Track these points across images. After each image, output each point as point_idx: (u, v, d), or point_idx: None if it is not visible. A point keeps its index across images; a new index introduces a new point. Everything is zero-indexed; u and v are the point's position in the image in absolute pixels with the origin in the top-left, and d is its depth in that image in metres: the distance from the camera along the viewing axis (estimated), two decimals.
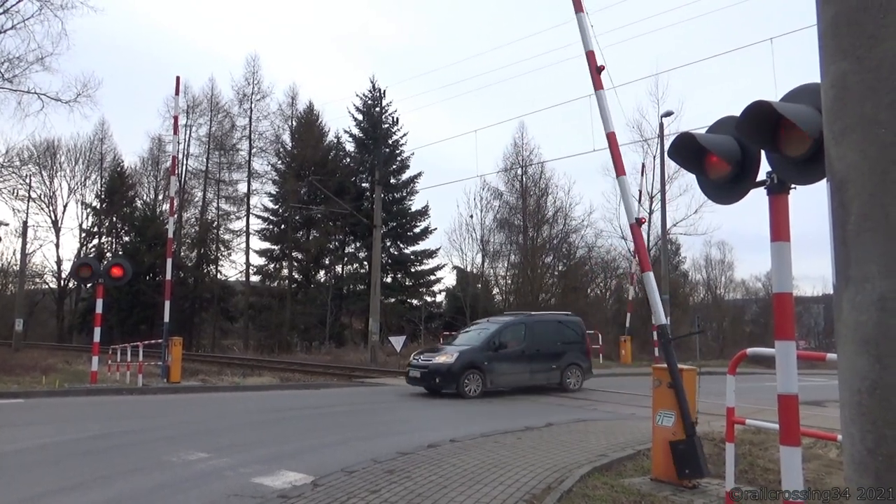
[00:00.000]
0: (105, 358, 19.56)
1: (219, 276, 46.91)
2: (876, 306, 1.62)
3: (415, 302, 40.96)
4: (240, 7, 79.47)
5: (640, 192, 33.01)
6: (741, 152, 4.23)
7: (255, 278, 45.20)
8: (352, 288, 41.73)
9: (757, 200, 4.32)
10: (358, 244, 42.06)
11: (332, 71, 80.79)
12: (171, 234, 19.66)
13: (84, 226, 51.31)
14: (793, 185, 4.01)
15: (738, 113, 3.76)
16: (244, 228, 46.14)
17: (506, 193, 40.12)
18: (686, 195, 35.74)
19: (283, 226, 43.42)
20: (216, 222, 47.06)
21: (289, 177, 41.71)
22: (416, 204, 41.61)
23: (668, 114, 29.11)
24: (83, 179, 51.84)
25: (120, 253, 46.89)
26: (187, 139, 45.76)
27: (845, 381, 1.73)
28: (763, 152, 4.08)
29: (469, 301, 37.61)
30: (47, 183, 50.56)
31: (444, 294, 43.15)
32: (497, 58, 71.11)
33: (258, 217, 44.82)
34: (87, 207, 51.30)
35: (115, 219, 50.72)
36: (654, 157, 33.58)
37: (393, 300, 38.99)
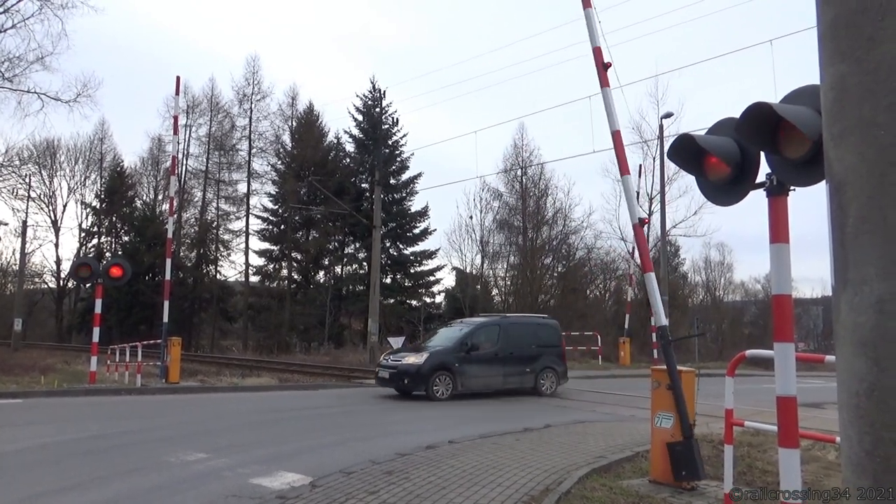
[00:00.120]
0: (104, 358, 19.54)
1: (218, 276, 46.94)
2: (874, 308, 1.62)
3: (414, 303, 40.96)
4: (240, 7, 79.60)
5: (638, 193, 33.03)
6: (741, 154, 4.23)
7: (254, 279, 45.24)
8: (351, 288, 41.72)
9: (756, 202, 4.32)
10: (357, 245, 42.06)
11: (333, 71, 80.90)
12: (170, 234, 19.66)
13: (83, 225, 51.37)
14: (792, 187, 4.01)
15: (737, 114, 3.76)
16: (244, 229, 46.21)
17: (505, 194, 40.20)
18: (685, 196, 35.81)
19: (282, 226, 43.42)
20: (216, 222, 47.07)
21: (288, 177, 41.72)
22: (415, 205, 41.68)
23: (668, 115, 29.15)
24: (83, 179, 51.92)
25: (119, 253, 46.88)
26: (187, 139, 45.81)
27: (843, 384, 1.73)
28: (762, 154, 4.08)
29: (468, 302, 37.61)
30: (47, 182, 50.63)
31: (443, 295, 43.19)
32: (497, 58, 71.22)
33: (258, 217, 44.89)
34: (87, 207, 51.34)
35: (114, 219, 50.71)
36: (654, 158, 33.66)
37: (392, 301, 38.99)
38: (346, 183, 40.48)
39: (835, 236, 1.75)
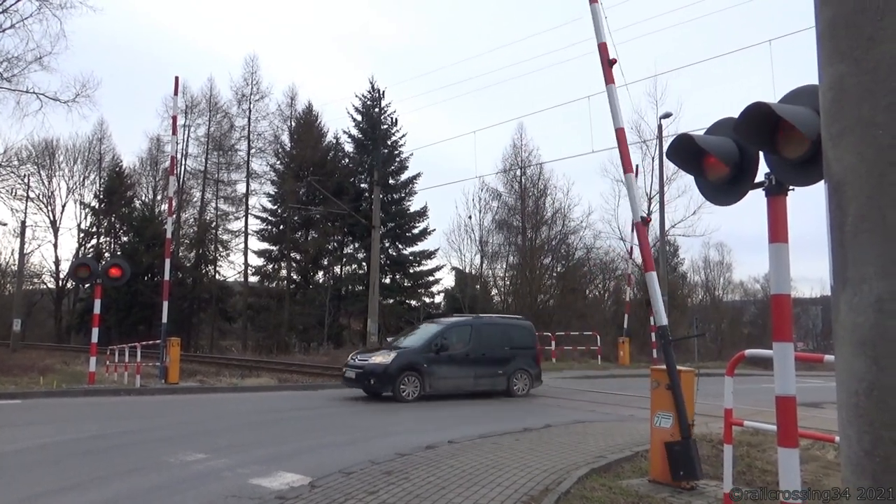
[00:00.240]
0: (103, 358, 19.52)
1: (217, 276, 46.90)
2: (873, 308, 1.62)
3: (413, 303, 40.95)
4: (240, 7, 79.57)
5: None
6: (739, 154, 4.23)
7: (253, 279, 45.19)
8: (350, 289, 41.70)
9: (755, 202, 4.32)
10: (356, 245, 42.03)
11: (332, 71, 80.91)
12: (169, 235, 19.63)
13: (82, 226, 51.35)
14: (791, 187, 4.02)
15: (736, 114, 3.76)
16: (243, 229, 46.17)
17: (504, 194, 40.19)
18: (684, 196, 35.84)
19: (281, 226, 43.40)
20: (215, 223, 47.04)
21: (287, 177, 41.69)
22: (414, 205, 41.65)
23: (667, 115, 29.17)
24: (82, 179, 51.89)
25: (118, 253, 46.85)
26: (186, 139, 45.77)
27: (843, 383, 1.73)
28: (761, 154, 4.09)
29: (467, 302, 37.62)
30: (46, 183, 50.59)
31: (442, 295, 43.19)
32: (497, 58, 71.21)
33: (257, 217, 44.85)
34: (86, 207, 51.29)
35: (113, 219, 50.66)
36: (653, 158, 33.67)
37: (391, 301, 38.98)
38: (345, 183, 40.47)
39: (834, 236, 1.76)
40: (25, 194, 46.39)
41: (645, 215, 7.65)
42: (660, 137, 29.30)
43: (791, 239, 4.13)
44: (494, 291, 41.53)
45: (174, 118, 20.77)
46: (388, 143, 40.63)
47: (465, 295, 38.46)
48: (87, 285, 29.50)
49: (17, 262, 45.59)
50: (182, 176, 45.17)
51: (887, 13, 1.63)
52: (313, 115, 44.81)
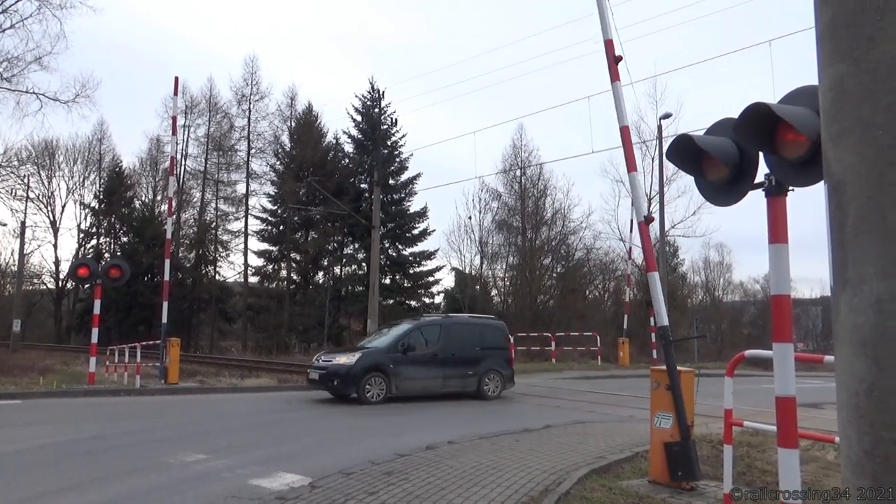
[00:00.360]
0: (103, 359, 19.52)
1: (217, 277, 46.87)
2: (873, 308, 1.62)
3: (413, 303, 40.92)
4: (239, 6, 79.58)
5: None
6: (739, 154, 4.23)
7: (253, 279, 45.16)
8: (350, 289, 41.69)
9: (755, 202, 4.32)
10: (356, 245, 42.02)
11: (332, 70, 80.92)
12: (169, 235, 19.63)
13: (82, 226, 51.34)
14: (791, 188, 4.02)
15: (736, 115, 3.76)
16: (243, 229, 46.13)
17: (504, 195, 40.20)
18: (684, 197, 35.85)
19: (281, 227, 43.39)
20: (214, 223, 47.02)
21: (287, 178, 41.69)
22: (414, 205, 41.63)
23: (667, 116, 29.17)
24: (81, 180, 51.88)
25: (118, 253, 46.85)
26: (186, 140, 45.75)
27: (843, 384, 1.73)
28: (761, 154, 4.09)
29: (467, 303, 37.60)
30: (45, 183, 50.59)
31: (442, 296, 43.18)
32: (496, 58, 71.24)
33: (257, 218, 44.82)
34: (86, 208, 51.29)
35: (113, 219, 50.64)
36: (653, 158, 33.67)
37: (391, 301, 38.97)
38: (344, 183, 40.46)
39: (834, 236, 1.75)
40: (25, 195, 46.43)
41: (648, 215, 7.58)
42: (659, 138, 29.31)
43: (791, 239, 4.13)
44: (494, 292, 41.54)
45: (174, 118, 20.77)
46: (388, 143, 40.64)
47: (464, 296, 38.46)
48: (86, 286, 29.47)
49: (16, 263, 45.62)
50: (182, 176, 45.19)
51: (887, 13, 1.62)
52: (313, 115, 44.82)
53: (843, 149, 1.73)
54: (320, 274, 44.02)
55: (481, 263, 40.29)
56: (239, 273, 46.13)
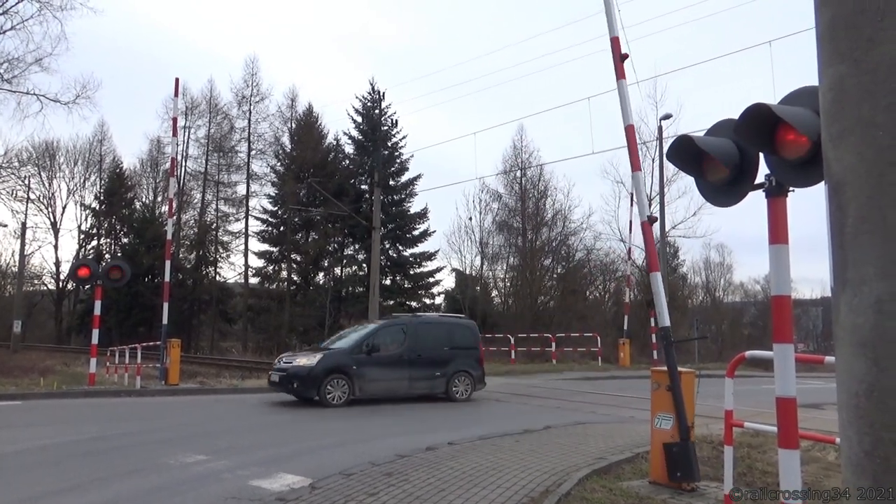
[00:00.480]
0: (103, 360, 19.53)
1: (217, 277, 46.88)
2: (873, 309, 1.62)
3: (414, 304, 40.90)
4: (240, 7, 79.63)
5: (631, 195, 33.01)
6: (739, 155, 4.23)
7: (253, 280, 45.17)
8: (351, 290, 41.70)
9: (756, 203, 4.32)
10: (357, 246, 42.03)
11: (333, 71, 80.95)
12: (169, 236, 19.64)
13: (83, 227, 51.36)
14: (791, 188, 4.02)
15: (736, 115, 3.76)
16: (243, 230, 46.16)
17: (505, 196, 40.20)
18: (685, 197, 35.81)
19: (282, 228, 43.40)
20: (215, 224, 47.04)
21: (288, 179, 41.71)
22: (415, 206, 41.63)
23: (667, 116, 29.16)
24: (82, 181, 51.93)
25: (119, 254, 46.86)
26: (186, 141, 45.78)
27: (843, 384, 1.73)
28: (761, 155, 4.09)
29: (468, 303, 37.62)
30: (46, 184, 50.65)
31: (443, 297, 43.18)
32: (497, 59, 71.29)
33: (257, 219, 44.85)
34: (86, 209, 51.32)
35: (113, 220, 50.66)
36: (653, 159, 33.67)
37: (392, 302, 38.95)
38: (345, 184, 40.48)
39: (834, 237, 1.76)
40: (26, 196, 46.50)
41: (650, 214, 7.54)
42: (660, 139, 29.31)
43: (791, 240, 4.13)
44: (495, 293, 41.56)
45: (174, 120, 20.77)
46: (389, 144, 40.64)
47: (465, 296, 38.47)
48: (87, 287, 29.48)
49: (17, 264, 45.62)
50: (182, 177, 45.20)
51: (887, 14, 1.63)
52: (313, 116, 44.85)
53: (843, 149, 1.73)
54: (321, 275, 44.03)
55: (482, 264, 40.34)
56: (239, 274, 46.19)
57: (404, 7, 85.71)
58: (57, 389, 14.90)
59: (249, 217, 45.61)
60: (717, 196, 4.50)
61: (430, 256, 41.36)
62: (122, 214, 49.97)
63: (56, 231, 50.82)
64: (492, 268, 40.82)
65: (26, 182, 46.42)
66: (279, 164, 44.65)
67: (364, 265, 40.37)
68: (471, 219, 39.51)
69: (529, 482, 6.63)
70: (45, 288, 52.68)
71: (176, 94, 20.97)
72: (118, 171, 51.65)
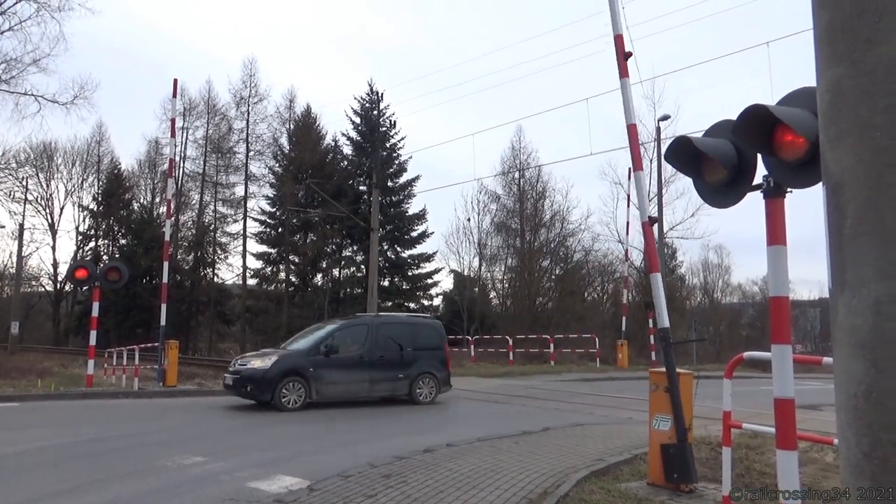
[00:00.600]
0: (101, 361, 19.49)
1: (216, 279, 46.81)
2: (871, 310, 1.62)
3: (412, 305, 40.91)
4: (237, 8, 79.50)
5: (629, 196, 33.01)
6: (737, 156, 4.23)
7: (251, 281, 45.10)
8: (349, 291, 41.69)
9: (754, 204, 4.32)
10: (355, 247, 42.03)
11: (331, 72, 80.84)
12: (167, 237, 19.62)
13: (80, 228, 51.21)
14: (789, 189, 4.02)
15: (734, 116, 3.76)
16: (241, 231, 46.06)
17: (503, 197, 40.20)
18: (683, 198, 35.85)
19: (280, 229, 43.38)
20: (213, 225, 46.98)
21: (286, 180, 41.69)
22: (413, 207, 41.64)
23: (665, 118, 29.17)
24: (80, 182, 51.75)
25: (116, 256, 46.75)
26: (184, 142, 45.67)
27: (841, 385, 1.73)
28: (759, 156, 4.09)
29: (466, 305, 37.61)
30: (44, 185, 50.45)
31: (441, 298, 43.18)
32: (495, 61, 71.35)
33: (255, 220, 44.80)
34: (84, 210, 51.19)
35: (111, 221, 50.55)
36: (651, 160, 33.67)
37: (390, 304, 38.94)
38: (343, 185, 40.47)
39: (832, 238, 1.76)
40: (24, 197, 46.39)
41: (651, 215, 7.49)
42: (658, 140, 29.34)
43: (789, 241, 4.13)
44: (493, 294, 41.56)
45: (172, 121, 20.76)
46: (387, 145, 40.66)
47: (463, 297, 38.47)
48: (85, 288, 29.38)
49: (14, 265, 45.53)
50: (180, 178, 45.13)
51: (885, 16, 1.63)
52: (312, 117, 44.83)
53: (841, 150, 1.73)
54: (319, 276, 44.01)
55: (480, 265, 40.34)
56: (237, 275, 46.11)
57: (402, 8, 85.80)
58: (55, 391, 14.87)
59: (248, 218, 45.57)
60: (715, 197, 4.50)
61: (428, 258, 41.39)
62: (120, 216, 49.87)
63: (54, 232, 50.72)
64: (490, 269, 40.86)
65: (24, 183, 46.34)
66: (277, 165, 44.63)
67: (362, 266, 40.37)
68: (469, 220, 39.57)
69: (528, 484, 6.62)
70: (43, 289, 52.55)
71: (174, 95, 20.93)
72: (116, 172, 51.54)
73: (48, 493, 6.24)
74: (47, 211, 50.62)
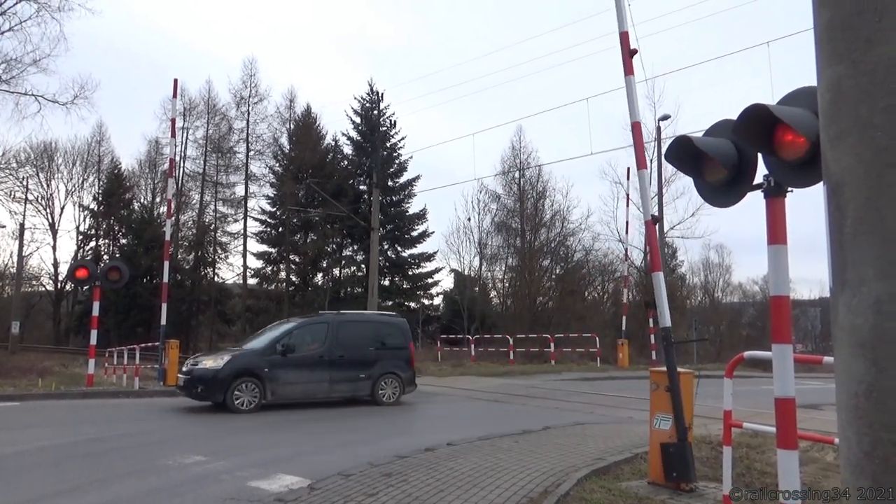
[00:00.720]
0: (101, 361, 19.49)
1: (216, 278, 46.80)
2: (872, 309, 1.62)
3: (412, 305, 40.93)
4: (237, 8, 79.46)
5: (628, 196, 33.00)
6: (738, 155, 4.23)
7: (252, 281, 45.11)
8: (349, 291, 41.68)
9: (754, 204, 4.32)
10: (355, 247, 42.04)
11: (331, 72, 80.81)
12: (168, 237, 19.63)
13: (81, 228, 51.16)
14: (789, 189, 4.02)
15: (734, 116, 3.77)
16: (241, 231, 46.06)
17: (503, 196, 40.18)
18: (683, 198, 35.82)
19: (280, 228, 43.38)
20: (213, 225, 46.96)
21: (286, 179, 41.69)
22: (413, 207, 41.66)
23: (665, 117, 29.18)
24: (80, 182, 51.70)
25: (117, 255, 46.73)
26: (184, 142, 45.65)
27: (842, 385, 1.73)
28: (760, 155, 4.09)
29: (466, 304, 37.61)
30: (44, 185, 50.41)
31: (441, 297, 43.17)
32: (495, 60, 71.32)
33: (256, 220, 44.80)
34: (85, 210, 51.14)
35: (112, 221, 50.52)
36: (651, 160, 33.63)
37: (390, 303, 38.94)
38: (344, 185, 40.48)
39: (832, 237, 1.76)
40: (24, 196, 46.39)
41: (654, 213, 7.45)
42: (658, 139, 29.34)
43: (790, 241, 4.13)
44: (493, 294, 41.54)
45: (173, 121, 20.76)
46: (387, 145, 40.66)
47: (463, 297, 38.47)
48: (85, 287, 29.41)
49: (15, 265, 45.54)
50: (181, 178, 45.13)
51: (885, 15, 1.63)
52: (312, 117, 44.82)
53: (841, 150, 1.73)
54: (319, 276, 44.02)
55: (480, 265, 40.32)
56: (238, 275, 46.10)
57: (402, 8, 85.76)
58: (55, 390, 14.88)
59: (248, 218, 45.56)
60: (715, 196, 4.50)
61: (428, 257, 41.40)
62: (121, 215, 49.85)
63: (54, 232, 50.68)
64: (490, 268, 40.85)
65: (24, 183, 46.31)
66: (278, 164, 44.62)
67: (363, 266, 40.37)
68: (469, 219, 39.55)
69: (528, 483, 6.63)
70: (44, 289, 52.50)
71: (174, 95, 20.92)
72: (116, 172, 51.52)
73: (48, 493, 6.25)
74: (48, 211, 50.61)
